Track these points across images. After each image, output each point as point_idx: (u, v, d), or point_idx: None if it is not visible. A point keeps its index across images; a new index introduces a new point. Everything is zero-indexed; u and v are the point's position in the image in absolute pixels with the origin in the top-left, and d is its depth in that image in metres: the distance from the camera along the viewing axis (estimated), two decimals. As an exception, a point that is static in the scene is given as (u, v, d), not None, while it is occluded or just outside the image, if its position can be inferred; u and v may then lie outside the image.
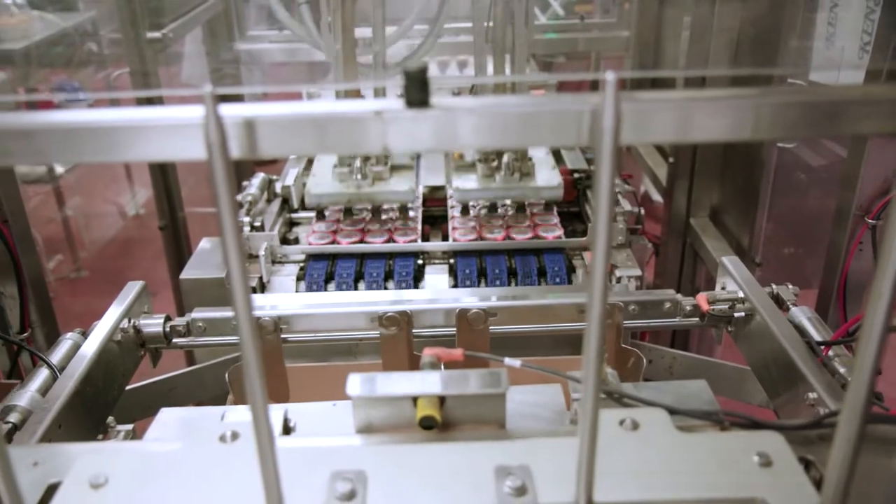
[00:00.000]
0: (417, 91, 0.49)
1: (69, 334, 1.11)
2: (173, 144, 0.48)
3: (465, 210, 1.58)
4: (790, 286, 1.18)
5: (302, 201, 1.75)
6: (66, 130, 0.48)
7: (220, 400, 1.28)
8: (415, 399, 0.68)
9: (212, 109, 0.45)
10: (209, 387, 1.30)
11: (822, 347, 0.99)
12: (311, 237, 1.51)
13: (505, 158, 1.49)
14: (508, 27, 1.43)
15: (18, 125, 0.47)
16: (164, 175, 2.12)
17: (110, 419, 1.04)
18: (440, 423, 0.68)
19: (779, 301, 1.15)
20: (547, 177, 1.54)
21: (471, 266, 1.43)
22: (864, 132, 0.60)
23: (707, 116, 0.50)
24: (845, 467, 0.50)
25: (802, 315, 1.09)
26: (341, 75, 1.42)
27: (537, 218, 1.56)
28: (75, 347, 1.07)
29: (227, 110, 0.46)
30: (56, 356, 1.05)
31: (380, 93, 1.38)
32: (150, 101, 1.87)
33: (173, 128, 0.48)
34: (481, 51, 1.45)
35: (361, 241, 1.49)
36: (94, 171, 4.06)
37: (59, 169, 3.58)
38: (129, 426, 1.02)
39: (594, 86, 2.72)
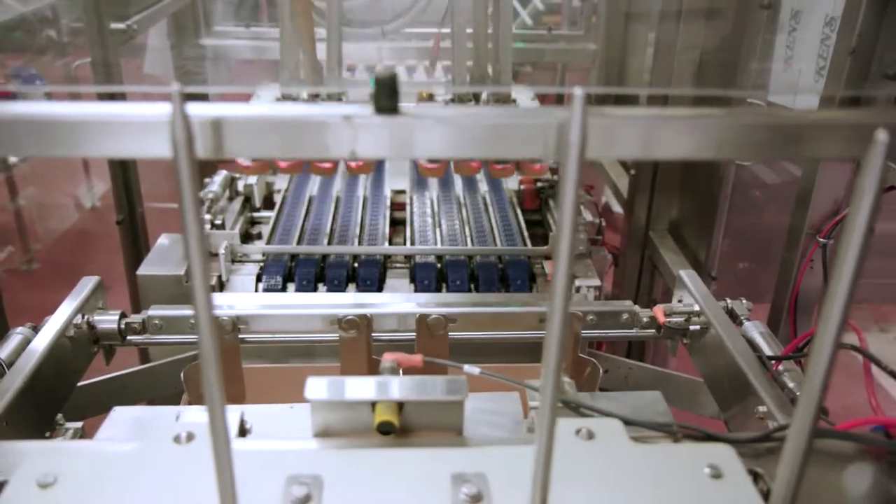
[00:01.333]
0: (387, 97, 0.49)
1: (19, 329, 1.08)
2: (138, 142, 0.47)
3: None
4: (744, 301, 1.21)
5: (264, 200, 1.74)
6: (27, 122, 0.47)
7: (173, 399, 1.26)
8: (373, 404, 0.68)
9: (179, 108, 0.45)
10: (163, 385, 1.27)
11: (773, 362, 1.02)
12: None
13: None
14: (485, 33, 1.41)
15: (-24, 115, 0.46)
16: (123, 169, 2.07)
17: (59, 416, 1.01)
18: (398, 428, 0.68)
19: (733, 315, 1.17)
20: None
21: (431, 273, 1.43)
22: (823, 156, 0.62)
23: (673, 134, 0.51)
24: (793, 480, 0.51)
25: (755, 330, 1.12)
26: (294, 75, 1.37)
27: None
28: (25, 342, 1.04)
29: (195, 109, 0.46)
30: (4, 351, 1.02)
31: (333, 98, 1.35)
32: (111, 97, 1.84)
33: (139, 125, 0.47)
34: (461, 56, 1.42)
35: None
36: (50, 162, 3.95)
37: (13, 158, 3.49)
38: (79, 424, 0.99)
39: (560, 99, 2.75)
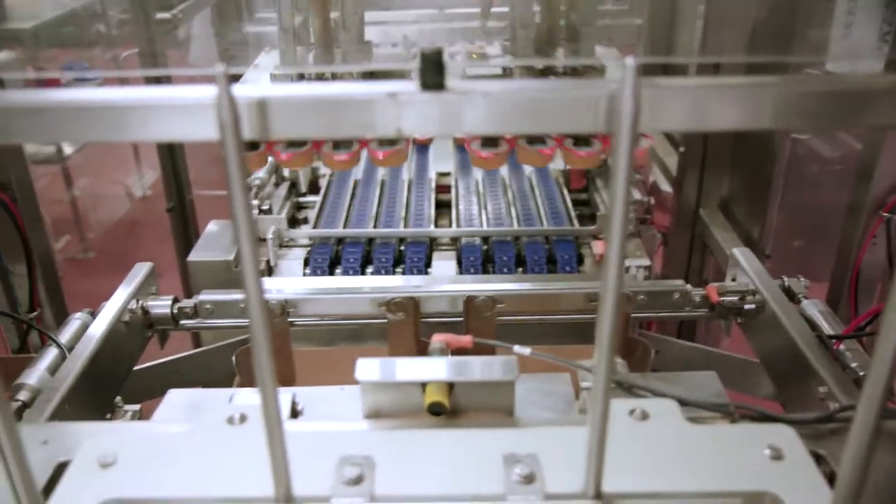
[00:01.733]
0: (433, 73, 0.48)
1: (78, 314, 1.11)
2: (185, 124, 0.47)
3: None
4: (801, 279, 1.17)
5: (309, 185, 1.74)
6: (77, 108, 0.47)
7: (225, 382, 1.28)
8: (423, 385, 0.68)
9: (224, 89, 0.44)
10: (215, 369, 1.30)
11: (834, 341, 0.99)
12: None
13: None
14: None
15: (29, 103, 0.47)
16: (172, 156, 2.11)
17: (118, 399, 1.04)
18: (448, 409, 0.68)
19: (790, 294, 1.14)
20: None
21: (476, 255, 1.42)
22: (890, 124, 0.59)
23: (727, 104, 0.49)
24: (860, 463, 0.49)
25: (814, 308, 1.08)
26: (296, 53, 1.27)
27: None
28: (84, 327, 1.07)
29: (240, 90, 0.46)
30: (65, 336, 1.05)
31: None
32: (158, 81, 1.86)
33: (185, 107, 0.47)
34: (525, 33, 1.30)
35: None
36: (101, 152, 4.05)
37: (68, 149, 3.58)
38: (136, 406, 1.02)
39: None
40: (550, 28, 1.30)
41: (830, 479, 0.65)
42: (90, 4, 3.12)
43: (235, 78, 0.46)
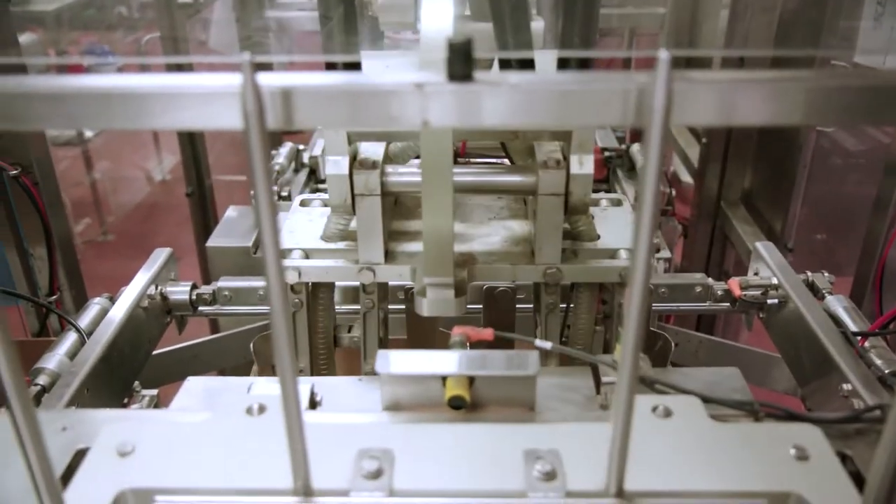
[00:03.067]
0: (461, 64, 0.47)
1: (97, 299, 1.11)
2: (209, 112, 0.47)
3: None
4: (825, 274, 1.15)
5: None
6: (100, 96, 0.47)
7: (243, 368, 1.29)
8: (444, 378, 0.68)
9: (250, 78, 0.44)
10: (232, 355, 1.30)
11: (858, 338, 0.97)
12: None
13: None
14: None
15: (52, 89, 0.46)
16: (192, 142, 2.11)
17: (136, 384, 1.04)
18: (469, 403, 0.67)
19: (814, 289, 1.12)
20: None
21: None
22: (927, 119, 0.57)
23: (758, 99, 0.48)
24: (891, 465, 0.48)
25: (838, 304, 1.06)
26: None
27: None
28: (103, 312, 1.07)
29: (265, 79, 0.45)
30: (84, 320, 1.05)
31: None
32: (179, 67, 1.87)
33: (209, 95, 0.46)
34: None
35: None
36: (122, 136, 4.07)
37: (88, 132, 3.60)
38: (154, 391, 1.02)
39: (627, 64, 2.66)
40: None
41: (856, 479, 0.64)
42: (111, -13, 3.13)
43: (259, 66, 0.45)
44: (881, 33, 1.25)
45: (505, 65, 0.88)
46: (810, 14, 1.54)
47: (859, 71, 1.08)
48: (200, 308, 1.17)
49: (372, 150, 0.97)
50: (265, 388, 0.75)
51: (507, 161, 1.15)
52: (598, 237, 1.03)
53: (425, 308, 0.95)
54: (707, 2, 2.14)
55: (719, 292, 1.16)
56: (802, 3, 1.58)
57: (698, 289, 1.16)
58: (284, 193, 1.54)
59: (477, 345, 0.78)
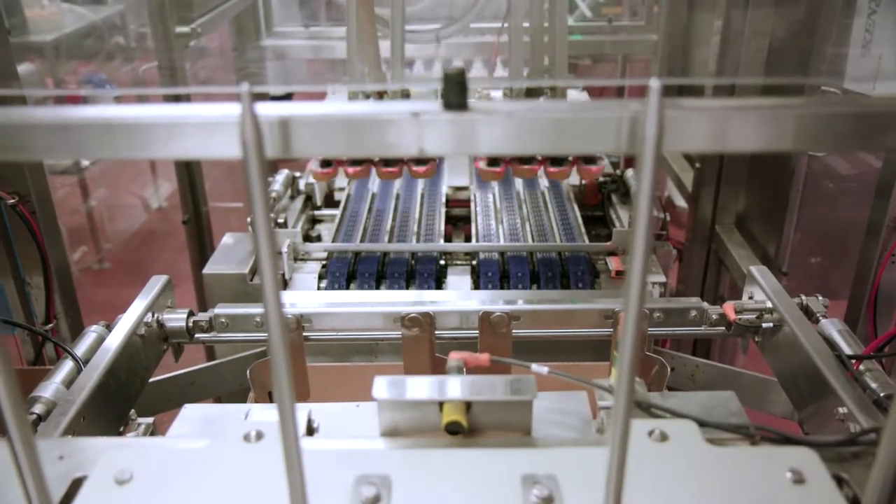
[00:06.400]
0: (456, 93, 0.48)
1: (94, 327, 1.11)
2: (209, 142, 0.48)
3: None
4: (820, 297, 1.16)
5: (325, 198, 1.75)
6: (102, 126, 0.48)
7: (239, 395, 1.28)
8: (441, 404, 0.68)
9: (248, 108, 0.45)
10: (229, 382, 1.30)
11: (853, 361, 0.97)
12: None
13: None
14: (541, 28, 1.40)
15: (55, 120, 0.47)
16: (188, 169, 2.12)
17: (132, 412, 1.04)
18: (466, 428, 0.67)
19: (808, 312, 1.13)
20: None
21: (494, 269, 1.42)
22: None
23: (749, 126, 0.49)
24: (886, 488, 0.49)
25: (832, 327, 1.07)
26: (359, 74, 1.39)
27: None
28: (99, 340, 1.07)
29: (263, 109, 0.46)
30: (80, 348, 1.05)
31: (396, 95, 1.35)
32: (177, 98, 1.88)
33: (209, 125, 0.47)
34: (517, 52, 1.42)
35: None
36: (118, 164, 4.08)
37: (85, 160, 3.61)
38: (150, 419, 1.02)
39: (620, 92, 2.69)
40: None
41: (853, 503, 0.64)
42: (110, 17, 3.17)
43: (256, 97, 0.46)
44: (869, 61, 1.27)
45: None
46: (800, 42, 1.57)
47: (848, 98, 1.10)
48: (197, 335, 1.17)
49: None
50: (262, 414, 0.75)
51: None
52: None
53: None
54: (699, 29, 2.17)
55: (714, 316, 1.17)
56: (792, 31, 1.60)
57: (693, 313, 1.17)
58: (281, 220, 1.55)
59: (474, 370, 0.78)
